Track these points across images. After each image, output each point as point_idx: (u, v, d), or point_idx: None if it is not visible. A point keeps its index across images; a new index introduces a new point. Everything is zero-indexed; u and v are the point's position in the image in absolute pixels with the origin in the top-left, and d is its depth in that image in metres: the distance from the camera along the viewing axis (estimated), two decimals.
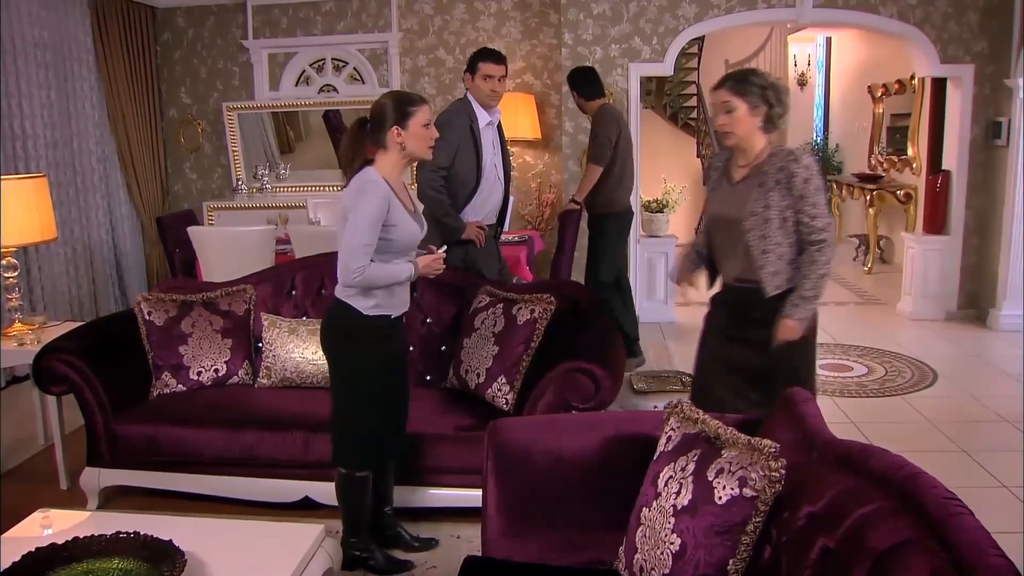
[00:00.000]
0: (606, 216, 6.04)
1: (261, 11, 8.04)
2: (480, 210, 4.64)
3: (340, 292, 3.21)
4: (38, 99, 6.61)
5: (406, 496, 3.75)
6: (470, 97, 4.61)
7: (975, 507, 1.69)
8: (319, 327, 4.20)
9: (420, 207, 3.44)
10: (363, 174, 3.11)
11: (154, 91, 8.14)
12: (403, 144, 3.12)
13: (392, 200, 3.08)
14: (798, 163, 3.17)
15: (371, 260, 3.05)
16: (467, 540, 3.57)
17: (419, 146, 3.15)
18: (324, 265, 4.39)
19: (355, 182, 3.10)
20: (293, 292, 4.54)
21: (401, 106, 3.11)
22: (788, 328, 3.24)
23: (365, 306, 3.16)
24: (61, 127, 6.93)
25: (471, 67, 4.62)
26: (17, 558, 2.21)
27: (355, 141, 3.19)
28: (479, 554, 2.65)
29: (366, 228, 3.01)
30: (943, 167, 7.40)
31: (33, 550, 2.25)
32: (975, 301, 7.36)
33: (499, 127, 4.78)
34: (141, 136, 7.88)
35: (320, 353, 4.10)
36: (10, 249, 4.50)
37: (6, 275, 4.58)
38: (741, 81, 3.25)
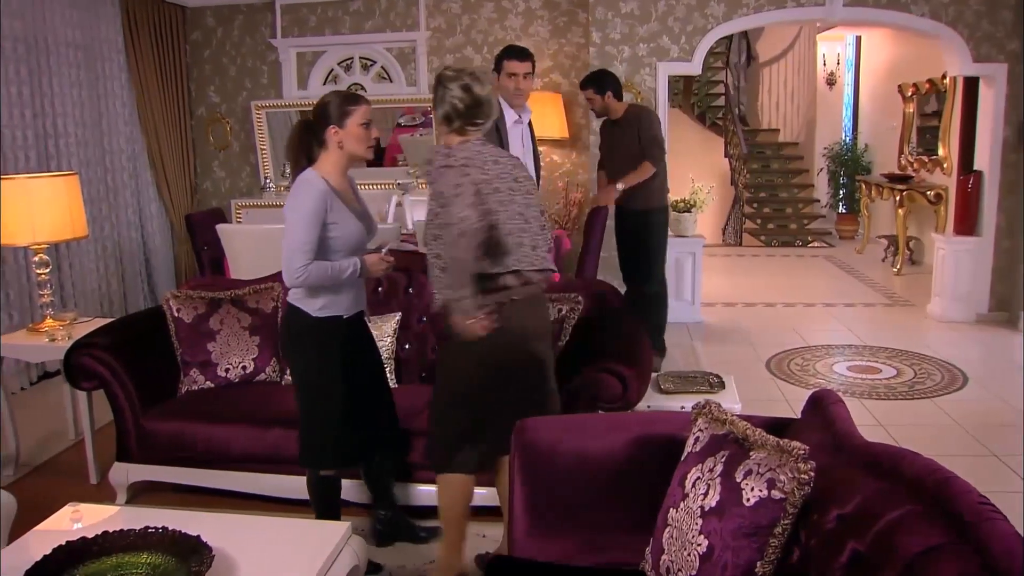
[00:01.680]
0: (659, 210, 6.01)
1: (290, 10, 8.08)
2: None
3: (290, 296, 3.23)
4: (70, 98, 6.68)
5: (431, 495, 3.75)
6: (499, 96, 4.62)
7: (1006, 511, 1.67)
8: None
9: (369, 208, 3.44)
10: (301, 176, 3.14)
11: (183, 90, 8.20)
12: (341, 143, 3.14)
13: (331, 199, 3.09)
14: (429, 164, 3.02)
15: (314, 259, 3.06)
16: (493, 539, 3.56)
17: (357, 146, 3.16)
18: None
19: (294, 184, 3.13)
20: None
21: (339, 105, 3.13)
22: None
23: (313, 308, 3.18)
24: (92, 126, 7.00)
25: (497, 65, 4.63)
26: (48, 551, 2.23)
27: (299, 141, 3.22)
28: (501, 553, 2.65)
29: (303, 227, 3.02)
30: (975, 167, 7.32)
31: (64, 543, 2.27)
32: (1006, 304, 7.26)
33: (530, 126, 4.77)
34: (170, 134, 7.94)
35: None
36: (42, 246, 4.55)
37: (38, 272, 4.63)
38: None
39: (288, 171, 3.41)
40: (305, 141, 3.19)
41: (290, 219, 3.05)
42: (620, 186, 5.75)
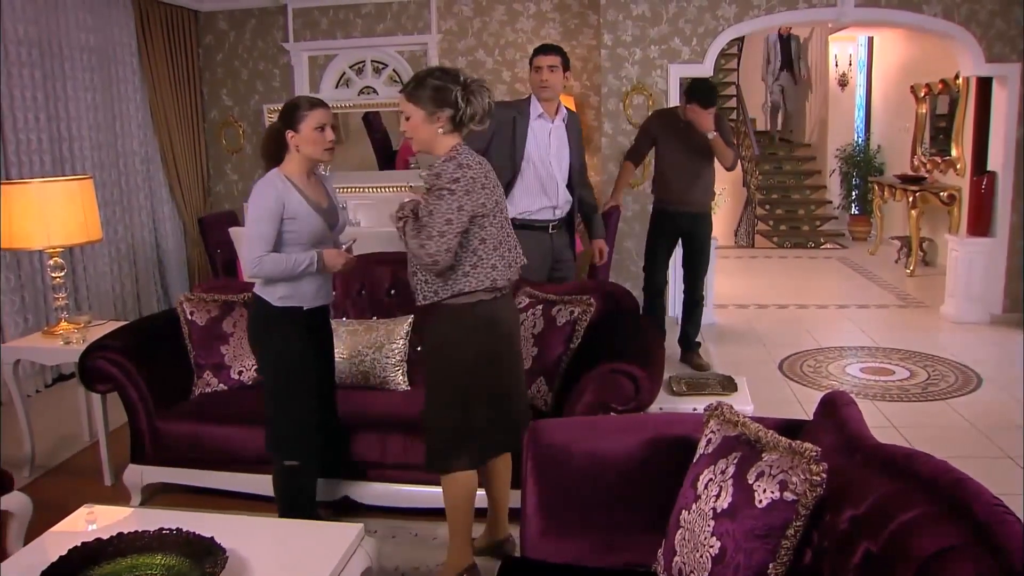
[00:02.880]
0: (708, 215, 5.99)
1: (301, 14, 8.11)
2: (518, 204, 4.63)
3: (255, 286, 3.40)
4: (84, 102, 6.72)
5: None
6: (533, 95, 4.75)
7: (1019, 513, 1.66)
8: (358, 328, 4.26)
9: (340, 206, 3.59)
10: (264, 176, 3.32)
11: (196, 93, 8.24)
12: (297, 146, 3.30)
13: (290, 196, 3.26)
14: (430, 170, 3.02)
15: (269, 252, 3.23)
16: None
17: (312, 149, 3.31)
18: (364, 267, 4.41)
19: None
20: (333, 293, 4.57)
21: (295, 111, 3.30)
22: None
23: (273, 297, 3.33)
24: (106, 129, 7.04)
25: (530, 63, 4.77)
26: (64, 552, 2.25)
27: (270, 144, 3.38)
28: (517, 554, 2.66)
29: (258, 221, 3.22)
30: (988, 168, 7.29)
31: (79, 545, 2.28)
32: (1020, 305, 7.22)
33: (569, 129, 4.81)
34: (183, 138, 7.98)
35: (361, 353, 4.16)
36: (57, 249, 4.57)
37: (53, 275, 4.65)
38: (417, 86, 3.04)
39: None
40: (275, 144, 3.36)
41: (248, 214, 3.26)
42: (713, 135, 5.60)
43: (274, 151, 3.36)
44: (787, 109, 13.44)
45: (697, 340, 6.26)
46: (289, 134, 3.28)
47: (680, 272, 6.33)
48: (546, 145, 4.67)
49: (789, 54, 13.00)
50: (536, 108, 4.67)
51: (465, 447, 3.18)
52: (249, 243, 3.23)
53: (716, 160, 5.80)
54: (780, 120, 13.54)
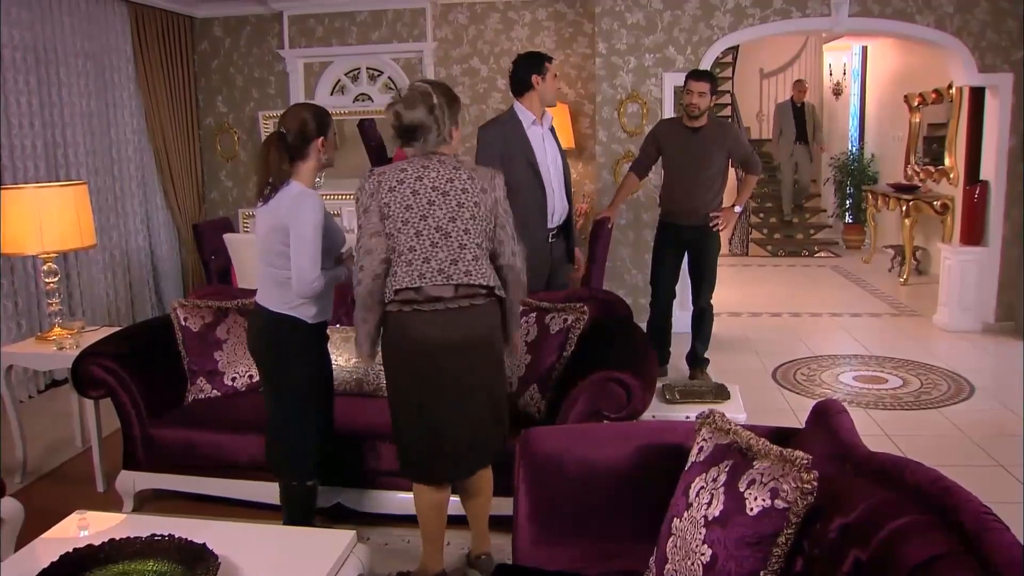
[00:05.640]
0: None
1: (297, 21, 8.12)
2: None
3: (279, 307, 3.26)
4: (79, 108, 6.72)
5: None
6: (516, 105, 4.68)
7: (1009, 522, 1.67)
8: (353, 335, 4.25)
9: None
10: (289, 189, 3.21)
11: (191, 100, 8.25)
12: (323, 153, 3.29)
13: (325, 209, 3.25)
14: (360, 191, 3.08)
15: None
16: (498, 548, 3.56)
17: (332, 154, 3.35)
18: None
19: (285, 199, 3.19)
20: None
21: (322, 118, 3.29)
22: None
23: (309, 315, 3.28)
24: (101, 135, 7.04)
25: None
26: (55, 558, 2.25)
27: (279, 154, 3.24)
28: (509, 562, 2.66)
29: (316, 238, 3.14)
30: (981, 177, 7.32)
31: (71, 551, 2.28)
32: (1013, 313, 7.25)
33: (553, 132, 4.80)
34: (178, 144, 7.99)
35: (355, 360, 4.16)
36: (51, 255, 4.57)
37: (47, 280, 4.65)
38: None
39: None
40: (281, 154, 3.24)
41: (302, 233, 3.11)
42: (739, 208, 5.90)
43: (280, 161, 3.24)
44: (801, 184, 12.65)
45: (705, 356, 6.05)
46: (320, 141, 3.26)
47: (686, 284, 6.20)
48: (543, 151, 4.65)
49: (803, 124, 12.11)
50: (528, 116, 4.61)
51: (407, 458, 3.19)
52: (307, 262, 3.11)
53: (733, 170, 5.80)
54: (796, 191, 12.69)
